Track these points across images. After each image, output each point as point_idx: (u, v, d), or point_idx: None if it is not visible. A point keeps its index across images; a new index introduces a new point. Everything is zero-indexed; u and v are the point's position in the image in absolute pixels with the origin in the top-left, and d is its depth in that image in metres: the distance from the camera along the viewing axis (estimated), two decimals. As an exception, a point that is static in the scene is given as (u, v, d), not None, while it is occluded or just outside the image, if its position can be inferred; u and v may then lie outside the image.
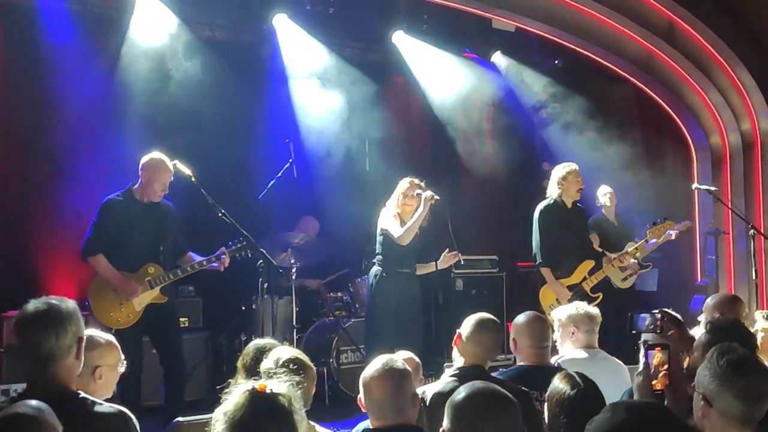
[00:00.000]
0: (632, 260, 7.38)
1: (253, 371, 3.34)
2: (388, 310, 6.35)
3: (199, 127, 7.38)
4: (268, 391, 2.21)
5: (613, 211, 7.91)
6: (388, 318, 6.34)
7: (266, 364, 3.26)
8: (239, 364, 3.62)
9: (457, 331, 3.88)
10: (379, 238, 6.50)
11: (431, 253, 6.62)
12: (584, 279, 6.86)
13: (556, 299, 6.72)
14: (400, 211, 6.43)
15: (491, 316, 3.91)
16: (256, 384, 2.22)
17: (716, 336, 3.26)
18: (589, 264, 6.91)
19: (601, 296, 6.80)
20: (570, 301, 6.65)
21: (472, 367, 3.73)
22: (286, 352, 3.35)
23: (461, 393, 2.52)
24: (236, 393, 2.21)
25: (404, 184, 6.45)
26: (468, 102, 8.98)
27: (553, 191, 6.98)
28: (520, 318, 4.17)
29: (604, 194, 7.91)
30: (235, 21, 8.09)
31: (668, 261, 8.79)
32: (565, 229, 6.91)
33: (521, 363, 4.08)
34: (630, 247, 7.21)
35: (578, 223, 7.06)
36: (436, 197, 6.21)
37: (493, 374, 4.07)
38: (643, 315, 3.65)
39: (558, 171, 7.03)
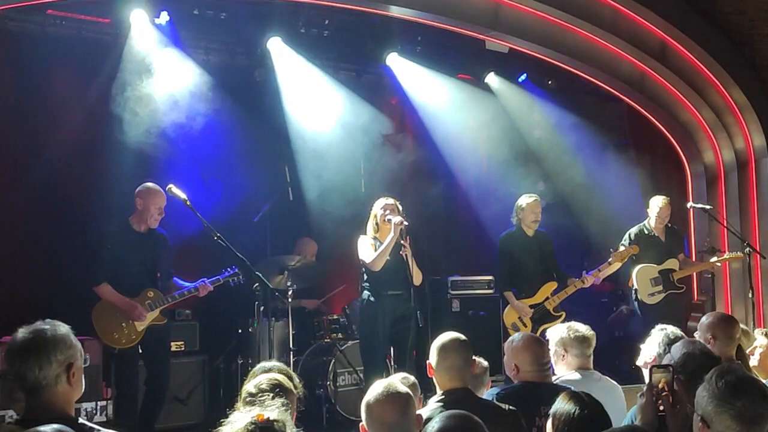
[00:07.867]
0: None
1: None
2: (376, 333, 6.28)
3: (194, 151, 7.38)
4: (265, 418, 2.23)
5: (660, 224, 7.82)
6: (379, 341, 6.29)
7: (248, 388, 3.23)
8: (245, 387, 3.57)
9: (428, 362, 3.78)
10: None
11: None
12: (547, 299, 7.18)
13: (519, 318, 7.15)
14: (378, 236, 6.32)
15: (454, 335, 3.80)
16: (254, 415, 2.24)
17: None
18: (551, 285, 7.25)
19: (563, 315, 7.07)
20: (532, 318, 7.12)
21: (454, 390, 3.63)
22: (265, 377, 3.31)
23: (435, 425, 2.55)
24: (237, 428, 2.22)
25: (377, 208, 6.35)
26: (462, 124, 9.00)
27: (514, 219, 7.38)
28: (517, 341, 4.08)
29: (652, 206, 7.87)
30: (230, 44, 8.10)
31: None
32: (524, 255, 7.27)
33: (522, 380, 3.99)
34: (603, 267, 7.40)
35: (539, 249, 7.35)
36: (405, 222, 6.07)
37: (492, 389, 4.05)
38: None
39: (519, 200, 7.39)
